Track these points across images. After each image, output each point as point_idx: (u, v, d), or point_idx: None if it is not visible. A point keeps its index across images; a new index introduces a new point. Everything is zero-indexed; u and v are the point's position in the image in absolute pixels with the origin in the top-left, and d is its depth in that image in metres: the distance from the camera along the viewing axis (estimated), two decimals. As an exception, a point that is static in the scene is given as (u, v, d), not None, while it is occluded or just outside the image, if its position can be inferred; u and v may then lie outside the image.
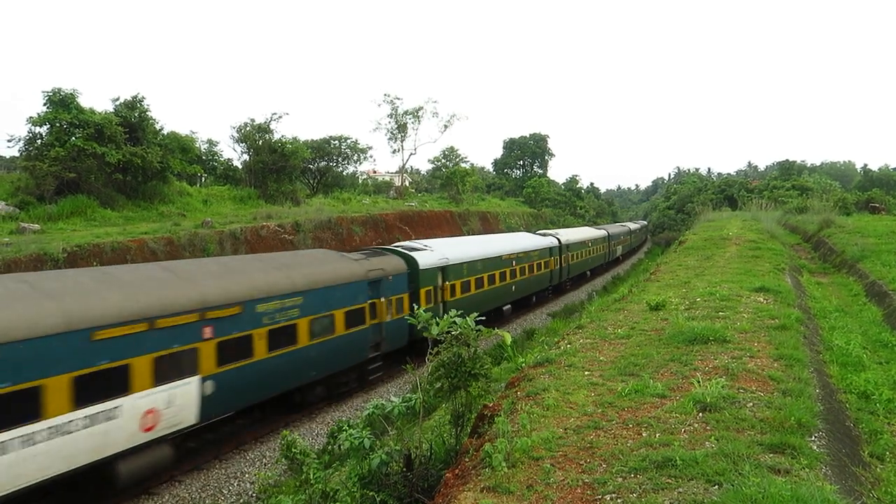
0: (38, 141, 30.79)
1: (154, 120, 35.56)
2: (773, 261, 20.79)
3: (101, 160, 30.32)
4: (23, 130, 32.64)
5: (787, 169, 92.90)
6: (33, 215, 27.43)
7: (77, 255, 23.17)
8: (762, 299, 13.50)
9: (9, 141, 33.08)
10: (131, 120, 33.49)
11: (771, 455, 5.64)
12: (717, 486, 5.10)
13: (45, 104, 30.80)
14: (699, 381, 7.50)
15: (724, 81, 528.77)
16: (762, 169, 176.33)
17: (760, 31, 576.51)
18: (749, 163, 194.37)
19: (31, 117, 30.57)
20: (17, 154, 33.44)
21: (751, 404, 6.92)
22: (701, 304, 13.11)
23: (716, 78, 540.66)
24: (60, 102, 30.60)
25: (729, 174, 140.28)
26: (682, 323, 10.71)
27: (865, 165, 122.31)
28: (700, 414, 6.71)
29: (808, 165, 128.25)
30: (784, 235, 38.73)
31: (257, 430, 16.23)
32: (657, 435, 6.28)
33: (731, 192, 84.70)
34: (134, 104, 34.38)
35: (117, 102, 34.30)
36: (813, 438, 6.11)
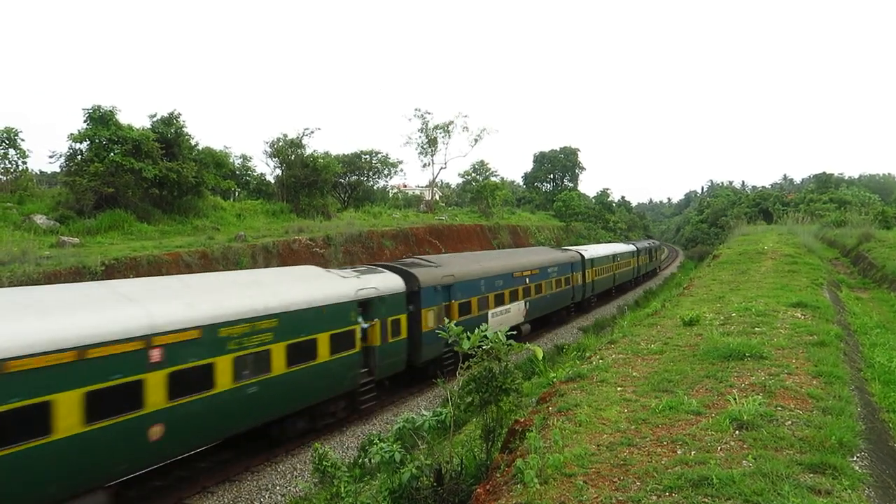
0: (79, 157, 31.75)
1: (189, 136, 36.52)
2: (810, 275, 20.37)
3: (139, 175, 31.12)
4: (64, 147, 33.61)
5: (824, 182, 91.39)
6: (73, 229, 28.20)
7: (114, 268, 23.71)
8: (800, 315, 13.21)
9: (50, 157, 34.33)
10: (168, 136, 34.35)
11: (811, 475, 5.49)
12: (755, 507, 4.97)
13: (85, 121, 31.77)
14: (735, 398, 7.34)
15: (759, 93, 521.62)
16: (798, 182, 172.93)
17: (798, 43, 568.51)
18: (784, 175, 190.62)
19: (71, 134, 31.62)
20: (59, 170, 34.54)
21: (789, 422, 6.76)
22: (736, 319, 12.87)
23: (750, 90, 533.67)
24: (100, 119, 31.52)
25: (764, 187, 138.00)
26: (717, 338, 10.53)
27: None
28: (737, 432, 6.57)
29: (846, 178, 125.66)
30: (822, 250, 37.95)
31: (289, 443, 16.32)
32: (692, 453, 6.16)
33: (766, 206, 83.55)
34: (170, 120, 35.27)
35: (154, 119, 35.23)
36: (855, 458, 5.93)
